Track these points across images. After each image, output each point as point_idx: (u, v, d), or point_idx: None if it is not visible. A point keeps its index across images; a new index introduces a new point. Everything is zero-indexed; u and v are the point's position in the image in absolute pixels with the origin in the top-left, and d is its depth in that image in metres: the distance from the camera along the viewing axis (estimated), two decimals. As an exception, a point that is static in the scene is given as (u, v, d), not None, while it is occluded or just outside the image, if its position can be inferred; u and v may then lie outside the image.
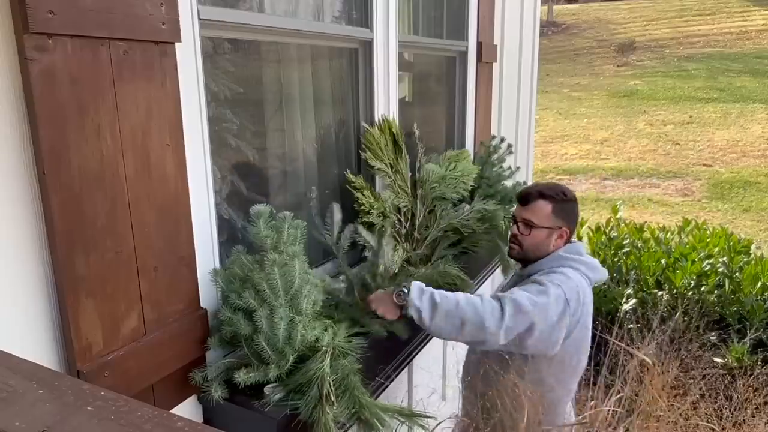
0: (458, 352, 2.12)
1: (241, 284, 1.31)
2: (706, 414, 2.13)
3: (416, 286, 1.61)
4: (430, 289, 1.62)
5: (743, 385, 2.46)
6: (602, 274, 1.87)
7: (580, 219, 2.07)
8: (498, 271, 3.09)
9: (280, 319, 1.25)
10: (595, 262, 1.86)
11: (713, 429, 2.04)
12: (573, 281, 1.71)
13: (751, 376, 2.84)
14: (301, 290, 1.31)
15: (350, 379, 1.35)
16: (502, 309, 1.57)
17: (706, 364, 2.91)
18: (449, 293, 1.61)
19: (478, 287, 2.58)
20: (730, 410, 2.21)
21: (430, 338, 1.96)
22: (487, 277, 2.70)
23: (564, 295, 1.66)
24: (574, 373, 1.80)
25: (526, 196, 1.88)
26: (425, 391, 2.39)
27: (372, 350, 1.58)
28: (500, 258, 2.63)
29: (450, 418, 1.96)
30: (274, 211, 1.37)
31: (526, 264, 1.89)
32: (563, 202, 1.85)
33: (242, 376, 1.25)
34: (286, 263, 1.29)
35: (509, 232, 1.94)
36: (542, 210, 1.84)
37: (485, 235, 2.37)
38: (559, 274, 1.73)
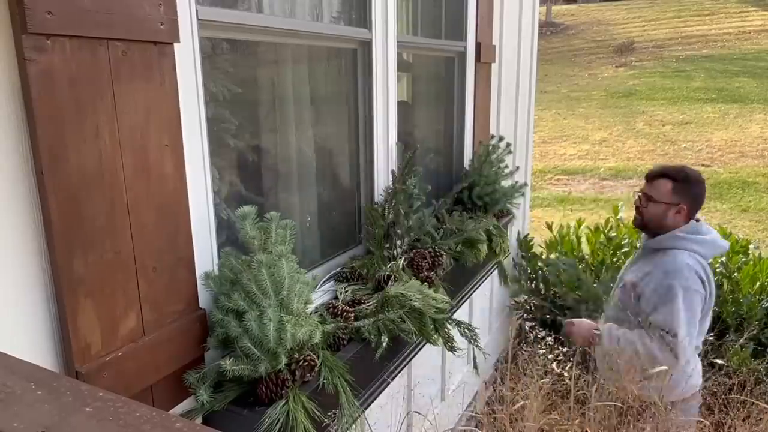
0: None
1: (231, 286, 1.31)
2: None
3: (606, 330, 2.18)
4: (617, 334, 2.14)
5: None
6: (719, 248, 2.17)
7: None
8: (490, 280, 3.10)
9: (269, 320, 1.24)
10: (711, 238, 2.12)
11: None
12: (689, 269, 2.03)
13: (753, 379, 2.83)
14: (292, 290, 1.31)
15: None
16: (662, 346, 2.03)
17: (706, 368, 2.90)
18: (628, 336, 2.11)
19: (467, 297, 2.57)
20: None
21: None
22: (476, 288, 2.69)
23: (691, 287, 2.02)
24: (701, 333, 2.16)
25: (651, 174, 2.19)
26: (425, 391, 2.40)
27: (371, 350, 1.58)
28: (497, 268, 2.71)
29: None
30: (275, 212, 1.37)
31: (648, 233, 2.24)
32: (684, 182, 2.12)
33: (229, 365, 1.24)
34: (274, 263, 1.29)
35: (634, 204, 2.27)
36: (663, 187, 2.13)
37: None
38: (677, 271, 2.04)
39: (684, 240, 2.10)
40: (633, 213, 2.29)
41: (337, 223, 2.14)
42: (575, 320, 2.34)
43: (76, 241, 1.03)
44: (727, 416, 2.01)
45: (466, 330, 1.88)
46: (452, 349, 1.82)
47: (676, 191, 2.11)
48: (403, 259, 2.01)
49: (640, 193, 2.22)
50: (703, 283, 2.06)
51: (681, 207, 2.12)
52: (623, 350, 2.09)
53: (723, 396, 2.25)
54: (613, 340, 2.14)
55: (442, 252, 2.12)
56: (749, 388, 2.43)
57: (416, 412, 1.90)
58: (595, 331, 2.20)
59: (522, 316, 3.89)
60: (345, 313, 1.60)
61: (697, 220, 2.18)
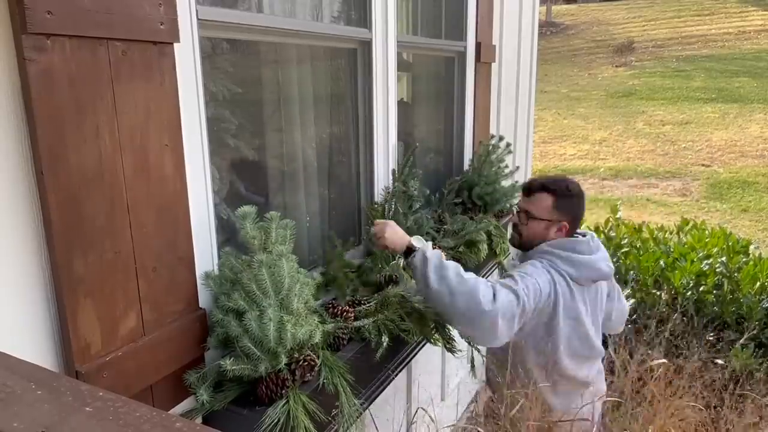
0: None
1: (231, 286, 1.31)
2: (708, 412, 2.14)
3: (429, 244, 1.76)
4: (439, 253, 1.72)
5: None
6: (590, 271, 1.83)
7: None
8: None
9: (269, 320, 1.24)
10: (584, 259, 1.82)
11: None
12: (541, 277, 1.77)
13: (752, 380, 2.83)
14: (292, 289, 1.31)
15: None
16: (495, 294, 1.67)
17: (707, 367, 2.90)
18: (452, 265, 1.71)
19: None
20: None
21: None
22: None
23: (543, 265, 1.81)
24: (555, 364, 1.84)
25: (529, 188, 1.94)
26: (425, 390, 2.40)
27: (372, 350, 1.58)
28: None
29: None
30: (275, 212, 1.37)
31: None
32: (566, 196, 1.88)
33: (229, 365, 1.24)
34: (275, 263, 1.29)
35: (512, 221, 2.03)
36: (543, 202, 1.89)
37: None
38: (530, 266, 1.83)
39: (549, 254, 1.84)
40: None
41: (338, 222, 2.14)
42: (388, 222, 1.82)
43: (75, 240, 1.03)
44: (723, 410, 2.01)
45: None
46: (452, 350, 1.82)
47: (557, 207, 1.87)
48: (402, 258, 2.01)
49: (518, 209, 1.97)
50: (554, 285, 1.78)
51: (563, 225, 1.88)
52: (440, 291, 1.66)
53: (718, 391, 2.25)
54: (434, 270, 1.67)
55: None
56: (746, 385, 2.43)
57: (421, 408, 1.90)
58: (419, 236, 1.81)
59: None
60: (345, 313, 1.60)
61: (584, 235, 1.92)
